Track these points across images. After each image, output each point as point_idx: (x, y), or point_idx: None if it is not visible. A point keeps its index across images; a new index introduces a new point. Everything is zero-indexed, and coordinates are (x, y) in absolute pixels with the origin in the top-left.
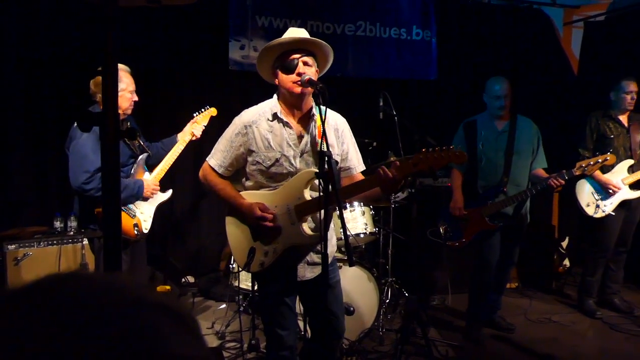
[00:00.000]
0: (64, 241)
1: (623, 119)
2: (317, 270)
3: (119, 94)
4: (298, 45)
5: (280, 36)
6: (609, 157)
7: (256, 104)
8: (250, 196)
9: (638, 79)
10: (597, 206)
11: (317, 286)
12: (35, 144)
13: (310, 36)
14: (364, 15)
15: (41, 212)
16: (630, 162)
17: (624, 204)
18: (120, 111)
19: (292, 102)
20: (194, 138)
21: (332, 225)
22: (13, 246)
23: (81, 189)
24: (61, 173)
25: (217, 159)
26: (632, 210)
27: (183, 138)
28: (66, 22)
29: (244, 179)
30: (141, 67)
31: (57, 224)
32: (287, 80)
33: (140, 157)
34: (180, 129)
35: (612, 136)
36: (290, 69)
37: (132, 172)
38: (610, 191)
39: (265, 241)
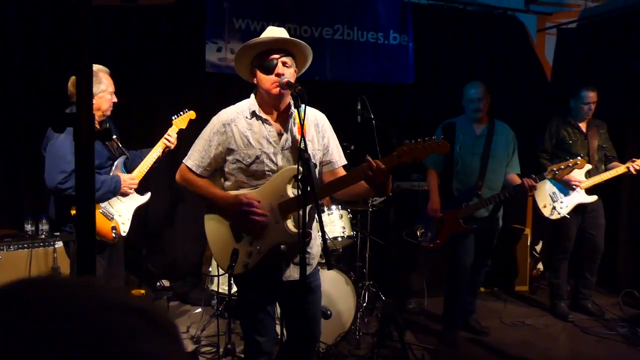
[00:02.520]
0: (35, 245)
1: (582, 125)
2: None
3: (99, 95)
4: (278, 45)
5: None
6: (579, 161)
7: None
8: None
9: (608, 85)
10: (554, 208)
11: (298, 288)
12: (5, 145)
13: None
14: (342, 19)
15: (11, 215)
16: (588, 167)
17: (579, 209)
18: (99, 112)
19: (270, 101)
20: (170, 145)
21: (316, 224)
22: None
23: (57, 189)
24: (32, 175)
25: (194, 159)
26: (589, 214)
27: (162, 141)
28: (40, 20)
29: (222, 180)
30: (116, 69)
31: (28, 227)
32: (265, 80)
33: (119, 159)
34: (156, 131)
35: (570, 142)
36: (269, 69)
37: (110, 174)
38: (573, 187)
39: (248, 241)
